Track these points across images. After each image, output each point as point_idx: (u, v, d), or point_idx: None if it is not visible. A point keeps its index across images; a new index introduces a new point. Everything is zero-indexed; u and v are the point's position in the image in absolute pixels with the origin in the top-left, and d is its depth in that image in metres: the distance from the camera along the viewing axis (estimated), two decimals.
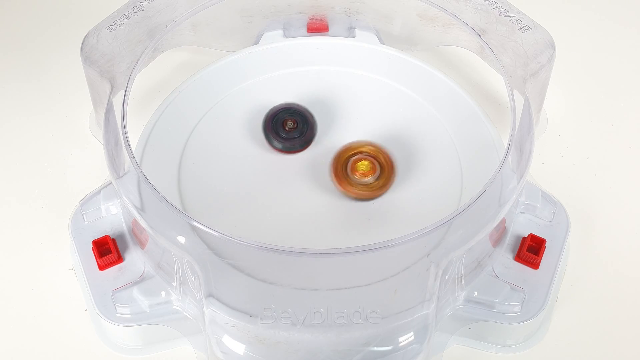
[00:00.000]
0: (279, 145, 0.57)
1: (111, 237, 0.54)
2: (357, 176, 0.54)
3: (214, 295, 0.47)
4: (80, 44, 0.57)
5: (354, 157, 0.55)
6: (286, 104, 0.58)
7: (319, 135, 0.58)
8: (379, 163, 0.55)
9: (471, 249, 0.49)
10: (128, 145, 0.51)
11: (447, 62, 0.66)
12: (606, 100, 0.65)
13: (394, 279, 0.48)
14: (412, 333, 0.47)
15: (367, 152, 0.56)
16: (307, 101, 0.60)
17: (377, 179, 0.55)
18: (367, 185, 0.55)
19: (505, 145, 0.52)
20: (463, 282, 0.51)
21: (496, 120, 0.60)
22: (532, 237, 0.54)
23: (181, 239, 0.48)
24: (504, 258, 0.54)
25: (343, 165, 0.55)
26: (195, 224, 0.48)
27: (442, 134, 0.58)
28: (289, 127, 0.57)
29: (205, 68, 0.61)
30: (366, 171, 0.55)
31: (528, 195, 0.55)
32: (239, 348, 0.47)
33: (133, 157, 0.50)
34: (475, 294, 0.51)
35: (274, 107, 0.58)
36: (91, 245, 0.53)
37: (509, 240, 0.54)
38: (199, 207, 0.54)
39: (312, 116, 0.58)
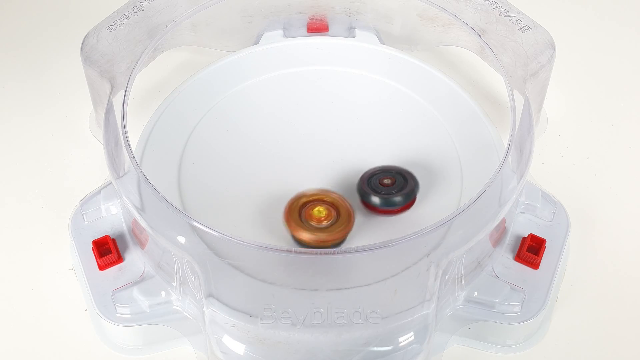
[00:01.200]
0: (378, 202, 0.53)
1: (111, 237, 0.54)
2: (313, 222, 0.51)
3: (214, 295, 0.47)
4: (80, 44, 0.57)
5: (309, 204, 0.52)
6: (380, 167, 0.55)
7: (320, 134, 0.58)
8: (336, 209, 0.52)
9: (471, 249, 0.49)
10: (128, 145, 0.51)
11: (447, 62, 0.66)
12: (606, 100, 0.65)
13: (394, 279, 0.48)
14: (412, 333, 0.47)
15: (322, 199, 0.53)
16: (307, 101, 0.60)
17: (333, 224, 0.51)
18: (323, 229, 0.51)
19: (505, 145, 0.52)
20: (463, 282, 0.51)
21: (496, 120, 0.60)
22: (532, 237, 0.54)
23: (181, 239, 0.48)
24: (504, 258, 0.54)
25: (298, 211, 0.52)
26: (195, 224, 0.48)
27: (442, 134, 0.58)
28: (386, 184, 0.53)
29: (205, 68, 0.61)
30: (321, 217, 0.51)
31: (528, 195, 0.55)
32: (239, 348, 0.47)
33: (133, 157, 0.50)
34: (475, 294, 0.51)
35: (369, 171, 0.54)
36: (91, 245, 0.53)
37: (509, 240, 0.54)
38: (199, 207, 0.54)
39: (411, 175, 0.54)
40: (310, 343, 0.47)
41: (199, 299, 0.48)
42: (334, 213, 0.52)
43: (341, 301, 0.47)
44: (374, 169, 0.54)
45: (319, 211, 0.51)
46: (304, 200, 0.52)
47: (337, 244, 0.51)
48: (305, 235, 0.51)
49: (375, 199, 0.53)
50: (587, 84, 0.66)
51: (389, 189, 0.53)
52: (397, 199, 0.53)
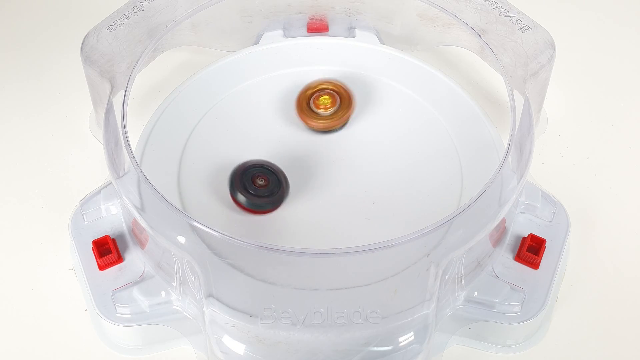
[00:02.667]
0: (244, 202, 0.54)
1: (111, 237, 0.54)
2: (320, 110, 0.58)
3: (214, 295, 0.47)
4: (80, 44, 0.57)
5: (316, 94, 0.58)
6: (257, 161, 0.55)
7: (320, 134, 0.58)
8: (339, 96, 0.58)
9: (471, 249, 0.49)
10: (128, 145, 0.51)
11: (447, 62, 0.66)
12: (606, 100, 0.65)
13: (394, 279, 0.48)
14: (412, 333, 0.47)
15: (327, 88, 0.59)
16: None
17: (337, 110, 0.58)
18: (329, 116, 0.58)
19: (505, 145, 0.52)
20: (463, 282, 0.51)
21: (496, 120, 0.60)
22: (532, 237, 0.54)
23: (181, 239, 0.48)
24: (504, 258, 0.54)
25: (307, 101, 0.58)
26: (195, 224, 0.48)
27: (442, 134, 0.58)
28: (260, 184, 0.54)
29: (205, 68, 0.61)
30: (327, 104, 0.58)
31: (528, 195, 0.55)
32: (239, 348, 0.47)
33: (133, 157, 0.51)
34: (475, 294, 0.51)
35: (245, 163, 0.55)
36: (91, 245, 0.53)
37: (509, 240, 0.54)
38: (199, 207, 0.54)
39: (284, 176, 0.55)
40: (310, 343, 0.47)
41: (199, 299, 0.48)
42: (337, 99, 0.58)
43: (341, 301, 0.47)
44: (247, 164, 0.55)
45: (325, 100, 0.58)
46: (310, 91, 0.59)
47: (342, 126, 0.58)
48: (313, 123, 0.57)
49: (242, 198, 0.54)
50: (587, 83, 0.66)
51: (261, 191, 0.54)
52: (266, 203, 0.54)
